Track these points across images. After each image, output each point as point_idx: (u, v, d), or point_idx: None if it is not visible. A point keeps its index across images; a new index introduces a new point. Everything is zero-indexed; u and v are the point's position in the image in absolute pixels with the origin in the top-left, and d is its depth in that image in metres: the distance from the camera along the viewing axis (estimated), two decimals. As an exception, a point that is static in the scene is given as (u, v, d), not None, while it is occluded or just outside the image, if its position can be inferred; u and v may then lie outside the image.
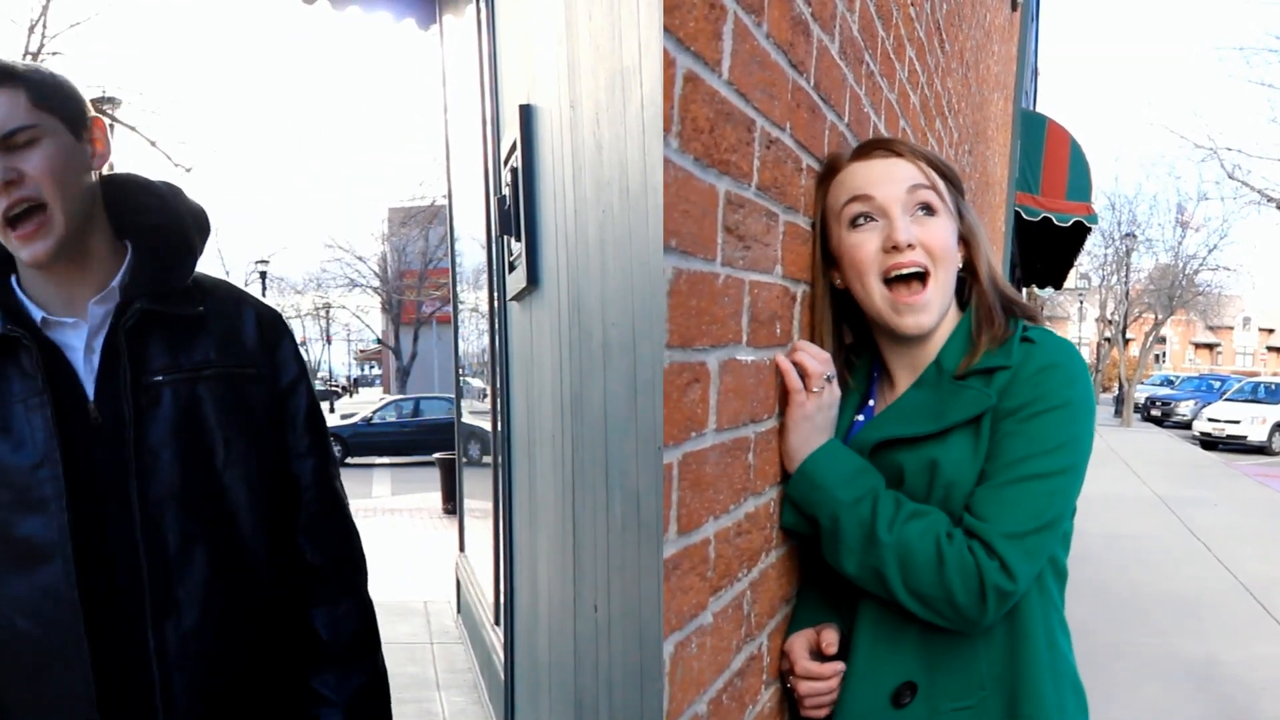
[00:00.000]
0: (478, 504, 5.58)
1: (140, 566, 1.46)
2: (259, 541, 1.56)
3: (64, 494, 1.43)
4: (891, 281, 1.41)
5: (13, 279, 1.51)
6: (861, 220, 1.42)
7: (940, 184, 1.45)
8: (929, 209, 1.43)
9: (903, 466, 1.41)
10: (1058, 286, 16.69)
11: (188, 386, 1.51)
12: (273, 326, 1.63)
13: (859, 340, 1.57)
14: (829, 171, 1.49)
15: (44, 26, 19.23)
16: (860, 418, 1.52)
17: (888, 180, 1.42)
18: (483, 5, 3.72)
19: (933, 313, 1.42)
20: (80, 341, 1.49)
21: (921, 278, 1.41)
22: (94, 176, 1.51)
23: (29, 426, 1.44)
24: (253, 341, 1.59)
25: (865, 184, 1.43)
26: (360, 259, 33.16)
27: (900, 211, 1.41)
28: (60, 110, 1.46)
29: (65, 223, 1.43)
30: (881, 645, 1.41)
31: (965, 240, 1.48)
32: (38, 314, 1.48)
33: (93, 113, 1.53)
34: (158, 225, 1.55)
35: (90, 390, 1.48)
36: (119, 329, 1.48)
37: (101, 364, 1.48)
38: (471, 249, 5.07)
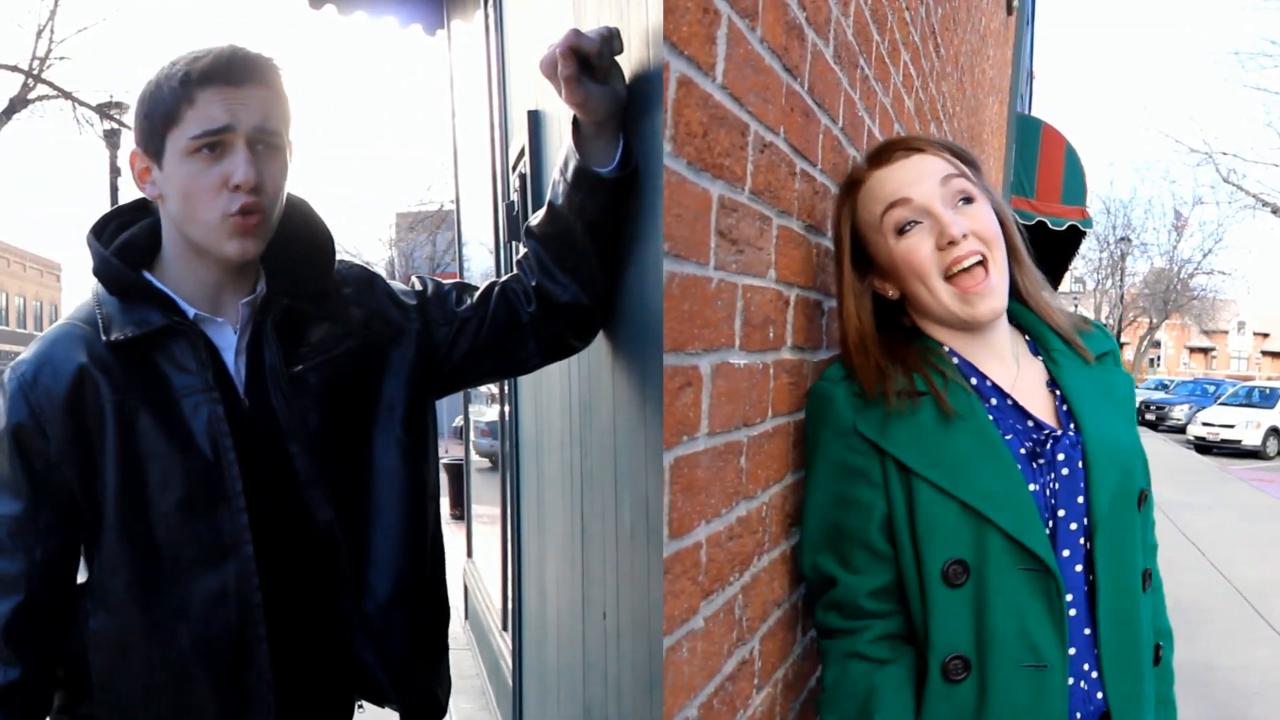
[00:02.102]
0: (485, 510, 5.56)
1: (325, 554, 1.49)
2: (421, 488, 1.59)
3: (241, 494, 1.43)
4: (953, 275, 1.39)
5: (150, 277, 1.48)
6: (908, 226, 1.39)
7: (966, 169, 1.44)
8: (968, 197, 1.41)
9: (1130, 457, 1.43)
10: (1052, 290, 16.72)
11: (328, 367, 1.51)
12: (369, 282, 1.63)
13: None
14: (851, 185, 1.46)
15: (51, 31, 19.27)
16: (994, 400, 1.42)
17: (920, 178, 1.40)
18: (490, 10, 3.72)
19: (1002, 294, 1.41)
20: (228, 341, 1.49)
21: (982, 264, 1.39)
22: None
23: (195, 423, 1.42)
24: (384, 305, 1.60)
25: (899, 188, 1.40)
26: (368, 264, 33.02)
27: (941, 206, 1.39)
28: (289, 125, 1.47)
29: (270, 230, 1.45)
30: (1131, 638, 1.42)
31: (999, 218, 1.46)
32: (190, 310, 1.46)
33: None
34: (293, 236, 1.54)
35: (241, 387, 1.48)
36: (265, 325, 1.48)
37: (248, 361, 1.48)
38: (479, 254, 5.06)
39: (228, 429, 1.43)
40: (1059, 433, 1.40)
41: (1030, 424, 1.41)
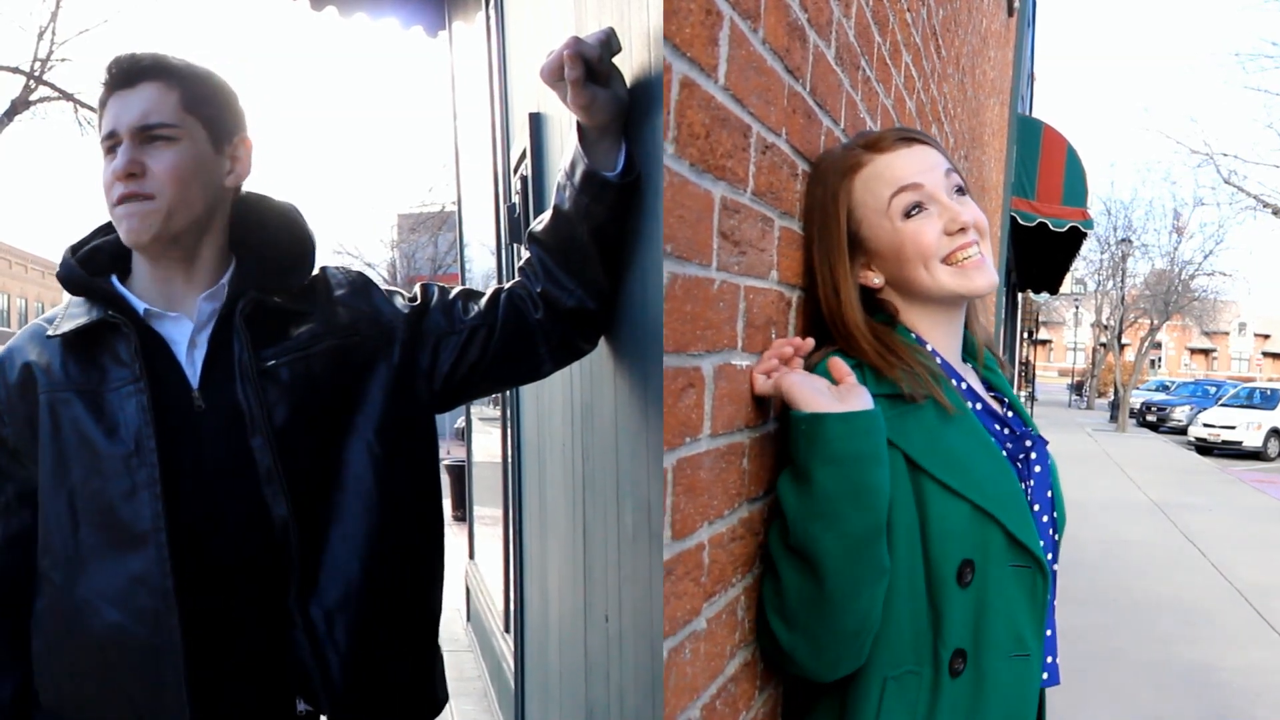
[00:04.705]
0: (487, 511, 5.56)
1: (275, 551, 1.50)
2: (391, 498, 1.58)
3: (157, 481, 1.46)
4: (953, 260, 1.41)
5: (113, 278, 1.56)
6: (916, 210, 1.41)
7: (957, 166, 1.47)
8: (962, 189, 1.44)
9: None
10: (1053, 291, 16.72)
11: (302, 364, 1.53)
12: (364, 287, 1.65)
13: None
14: (850, 169, 1.44)
15: (53, 33, 19.27)
16: (978, 406, 1.47)
17: (928, 167, 1.42)
18: (491, 12, 3.72)
19: (994, 272, 1.44)
20: (183, 335, 1.53)
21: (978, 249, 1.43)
22: (226, 187, 1.56)
23: (122, 414, 1.47)
24: (376, 311, 1.62)
25: (910, 173, 1.42)
26: (369, 265, 33.00)
27: (947, 196, 1.42)
28: (208, 119, 1.52)
29: (168, 219, 1.48)
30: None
31: None
32: (140, 306, 1.53)
33: (244, 131, 1.58)
34: (273, 240, 1.59)
35: (195, 380, 1.51)
36: (234, 317, 1.51)
37: (209, 354, 1.52)
38: (481, 255, 5.07)
39: (150, 418, 1.46)
40: (1031, 432, 1.49)
41: (997, 426, 1.47)
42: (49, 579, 1.54)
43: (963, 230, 1.40)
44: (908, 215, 1.41)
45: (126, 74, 1.49)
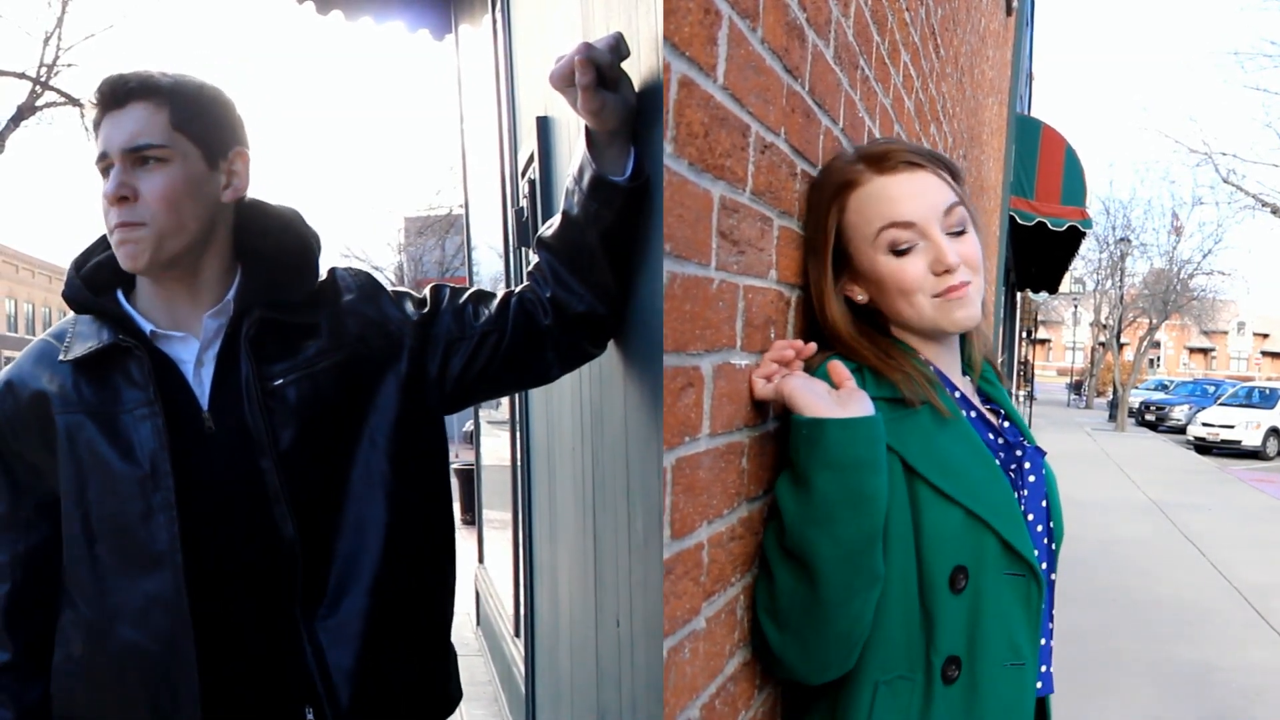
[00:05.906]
0: (496, 515, 5.55)
1: (282, 568, 1.50)
2: (401, 507, 1.57)
3: (173, 505, 1.46)
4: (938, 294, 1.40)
5: (119, 294, 1.56)
6: (905, 248, 1.38)
7: (962, 191, 1.43)
8: (963, 230, 1.40)
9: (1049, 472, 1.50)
10: (1052, 291, 16.74)
11: (308, 382, 1.52)
12: (373, 292, 1.64)
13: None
14: (845, 185, 1.42)
15: (59, 38, 19.29)
16: (972, 414, 1.46)
17: (923, 202, 1.38)
18: (498, 15, 3.72)
19: (978, 305, 1.41)
20: (190, 354, 1.52)
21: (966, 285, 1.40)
22: (223, 203, 1.54)
23: (137, 436, 1.47)
24: (385, 318, 1.61)
25: (903, 209, 1.38)
26: (377, 268, 32.89)
27: (940, 233, 1.38)
28: (199, 137, 1.50)
29: (159, 246, 1.47)
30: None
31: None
32: (147, 326, 1.52)
33: (240, 144, 1.56)
34: (276, 246, 1.58)
35: (204, 400, 1.51)
36: (240, 337, 1.50)
37: (216, 373, 1.51)
38: (489, 258, 5.07)
39: (165, 441, 1.46)
40: (1024, 443, 1.48)
41: (991, 435, 1.46)
42: (68, 595, 1.55)
43: (949, 271, 1.37)
44: (895, 252, 1.39)
45: (115, 95, 1.47)
